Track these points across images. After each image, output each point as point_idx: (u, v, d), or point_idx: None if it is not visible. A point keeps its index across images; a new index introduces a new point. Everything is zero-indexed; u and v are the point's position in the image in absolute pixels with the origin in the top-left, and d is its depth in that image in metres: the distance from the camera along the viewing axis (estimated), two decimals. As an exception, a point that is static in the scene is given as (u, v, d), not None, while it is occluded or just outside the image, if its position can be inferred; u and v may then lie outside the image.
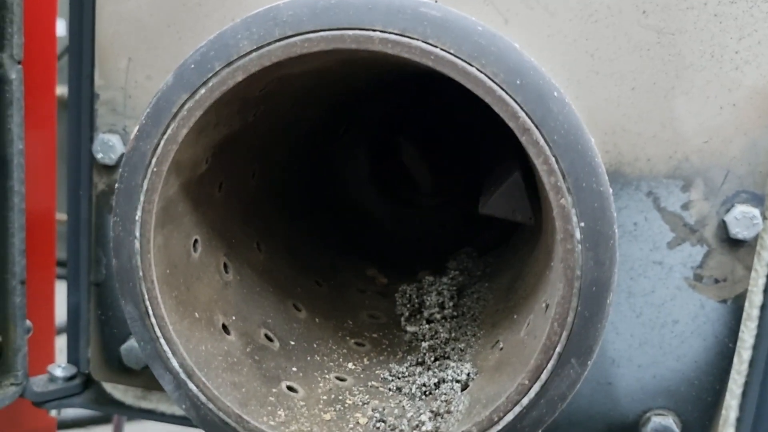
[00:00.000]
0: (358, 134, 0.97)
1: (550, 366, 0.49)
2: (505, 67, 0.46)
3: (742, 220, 0.80)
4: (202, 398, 0.53)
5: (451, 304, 0.72)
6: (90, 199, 0.91)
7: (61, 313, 1.07)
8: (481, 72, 0.46)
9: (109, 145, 0.89)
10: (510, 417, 0.50)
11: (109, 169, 0.89)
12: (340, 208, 0.95)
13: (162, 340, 0.53)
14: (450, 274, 0.77)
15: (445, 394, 0.57)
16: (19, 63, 0.89)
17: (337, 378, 0.64)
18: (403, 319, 0.74)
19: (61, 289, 1.03)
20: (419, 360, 0.65)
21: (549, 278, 0.52)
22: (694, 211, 0.82)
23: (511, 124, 0.46)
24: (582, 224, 0.47)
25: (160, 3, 0.86)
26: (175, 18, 0.87)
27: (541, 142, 0.46)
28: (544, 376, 0.49)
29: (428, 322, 0.73)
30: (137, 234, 0.52)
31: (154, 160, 0.51)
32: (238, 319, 0.61)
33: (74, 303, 0.95)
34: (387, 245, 0.95)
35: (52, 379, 1.01)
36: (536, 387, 0.49)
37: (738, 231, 0.80)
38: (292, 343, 0.65)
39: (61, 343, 1.12)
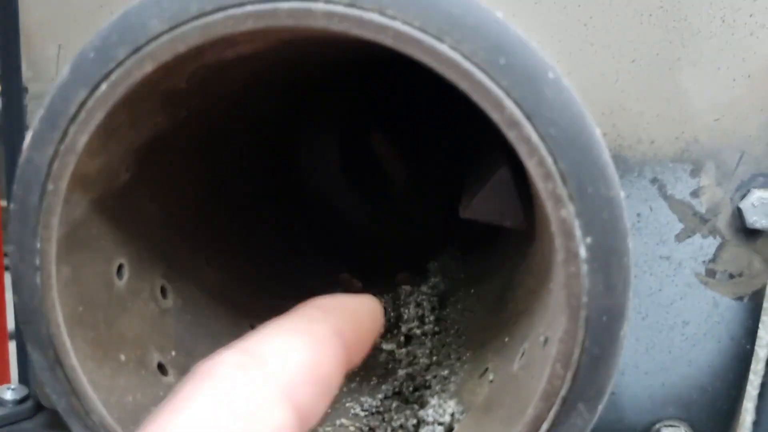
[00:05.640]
0: (324, 124, 0.87)
1: (552, 415, 0.39)
2: (486, 43, 0.36)
3: (760, 207, 0.70)
4: (129, 461, 0.44)
5: (432, 318, 0.63)
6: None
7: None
8: (455, 50, 0.36)
9: (39, 145, 0.78)
10: (504, 474, 0.41)
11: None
12: (308, 207, 0.85)
13: (76, 393, 0.43)
14: (430, 281, 0.68)
15: (426, 440, 0.47)
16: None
17: (300, 417, 0.54)
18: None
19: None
20: (396, 389, 0.55)
21: (547, 303, 0.43)
22: (706, 198, 0.73)
23: (494, 117, 0.36)
24: (588, 240, 0.37)
25: (90, -20, 0.75)
26: (107, -4, 0.76)
27: (534, 137, 0.36)
28: (545, 427, 0.40)
29: (407, 338, 0.63)
30: (37, 267, 0.42)
31: (50, 176, 0.40)
32: (179, 354, 0.52)
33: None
34: (361, 245, 0.85)
35: (0, 402, 0.92)
36: (535, 439, 0.40)
37: (755, 219, 0.71)
38: (248, 375, 0.55)
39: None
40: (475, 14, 0.37)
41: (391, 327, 0.65)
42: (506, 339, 0.51)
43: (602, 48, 0.70)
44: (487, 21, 0.37)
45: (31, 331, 0.44)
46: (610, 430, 0.78)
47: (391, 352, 0.62)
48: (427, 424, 0.49)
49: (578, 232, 0.37)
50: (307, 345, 0.37)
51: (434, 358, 0.57)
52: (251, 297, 0.64)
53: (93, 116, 0.39)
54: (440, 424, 0.48)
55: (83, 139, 0.39)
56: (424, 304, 0.65)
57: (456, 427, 0.48)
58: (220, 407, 0.32)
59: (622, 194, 0.38)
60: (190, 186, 0.58)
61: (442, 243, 0.79)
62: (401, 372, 0.56)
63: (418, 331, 0.63)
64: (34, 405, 0.91)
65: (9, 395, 0.90)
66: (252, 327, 0.62)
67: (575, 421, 0.40)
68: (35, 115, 0.42)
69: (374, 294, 0.68)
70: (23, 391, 0.90)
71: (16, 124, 0.80)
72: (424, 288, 0.67)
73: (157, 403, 0.47)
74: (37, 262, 0.42)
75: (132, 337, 0.48)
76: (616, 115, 0.71)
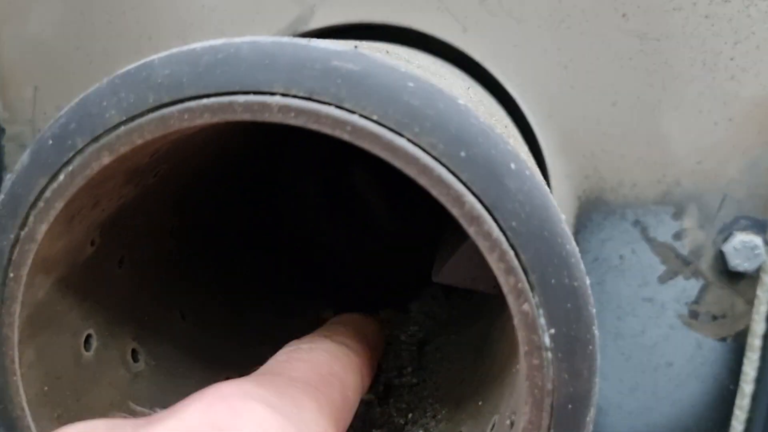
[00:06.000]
0: (304, 160, 0.86)
1: (518, 502, 0.39)
2: (446, 135, 0.36)
3: (742, 250, 0.70)
4: None
5: (410, 369, 0.62)
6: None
7: None
8: (414, 144, 0.35)
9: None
10: None
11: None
12: (287, 245, 0.84)
13: (43, 475, 0.43)
14: (409, 330, 0.67)
15: None
16: None
17: (275, 478, 0.54)
18: (357, 385, 0.64)
19: None
20: (372, 448, 0.55)
21: (515, 383, 0.42)
22: (688, 240, 0.72)
23: (454, 212, 0.36)
24: (552, 331, 0.37)
25: (66, 23, 0.75)
26: (83, 40, 0.75)
27: (495, 232, 0.36)
28: None
29: (386, 387, 0.63)
30: (2, 351, 0.41)
31: (11, 264, 0.40)
32: (151, 420, 0.51)
33: None
34: (343, 282, 0.84)
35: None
36: None
37: (738, 263, 0.70)
38: (223, 434, 0.55)
39: None
40: (436, 105, 0.36)
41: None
42: (480, 402, 0.51)
43: (583, 91, 0.70)
44: (449, 112, 0.36)
45: (-3, 411, 0.43)
46: (593, 470, 0.78)
47: (369, 403, 0.62)
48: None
49: (541, 324, 0.37)
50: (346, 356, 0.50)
51: (410, 416, 0.57)
52: (228, 347, 0.64)
53: (52, 205, 0.39)
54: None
55: (43, 228, 0.39)
56: (403, 354, 0.64)
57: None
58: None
59: (587, 282, 0.38)
60: (162, 242, 0.58)
61: (426, 278, 0.79)
62: (376, 432, 0.56)
63: (396, 382, 0.62)
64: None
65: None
66: (229, 378, 0.61)
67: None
68: (-4, 199, 0.41)
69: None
70: None
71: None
72: (403, 337, 0.67)
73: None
74: (0, 342, 0.42)
75: (101, 408, 0.48)
76: (597, 158, 0.71)
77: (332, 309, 0.79)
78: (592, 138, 0.70)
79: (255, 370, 0.48)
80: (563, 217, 0.39)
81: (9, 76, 0.77)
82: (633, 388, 0.75)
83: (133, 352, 0.53)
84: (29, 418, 0.42)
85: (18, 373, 0.41)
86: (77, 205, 0.41)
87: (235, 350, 0.64)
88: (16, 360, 0.41)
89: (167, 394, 0.55)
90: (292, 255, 0.84)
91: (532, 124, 0.71)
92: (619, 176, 0.71)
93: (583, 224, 0.72)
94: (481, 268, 0.55)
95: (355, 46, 0.38)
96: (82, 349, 0.48)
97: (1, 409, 0.43)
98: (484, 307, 0.69)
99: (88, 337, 0.49)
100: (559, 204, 0.73)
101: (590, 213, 0.72)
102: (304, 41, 0.38)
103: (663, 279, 0.72)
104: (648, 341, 0.74)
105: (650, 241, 0.72)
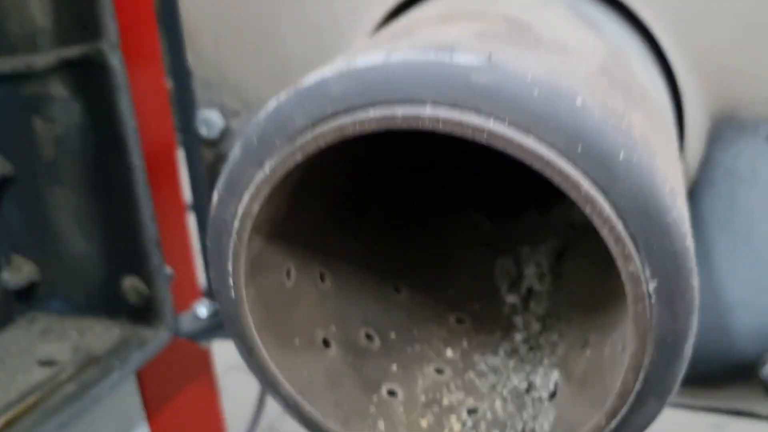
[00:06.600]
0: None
1: (625, 410, 0.50)
2: (565, 134, 0.44)
3: None
4: (308, 419, 0.59)
5: (549, 278, 0.73)
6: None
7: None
8: (539, 143, 0.44)
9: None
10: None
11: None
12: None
13: (267, 373, 0.59)
14: (549, 239, 0.77)
15: (533, 405, 0.59)
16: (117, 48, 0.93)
17: (436, 370, 0.68)
18: (502, 290, 0.75)
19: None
20: (513, 347, 0.67)
21: (627, 318, 0.52)
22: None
23: (572, 196, 0.44)
24: (654, 284, 0.46)
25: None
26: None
27: (606, 211, 0.44)
28: (621, 414, 0.50)
29: (528, 291, 0.74)
30: (231, 288, 0.56)
31: (234, 228, 0.54)
32: (338, 327, 0.66)
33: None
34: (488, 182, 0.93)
35: (197, 317, 1.12)
36: (612, 424, 0.51)
37: None
38: (393, 335, 0.69)
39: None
40: (557, 109, 0.44)
41: (514, 282, 0.76)
42: (605, 316, 0.61)
43: (716, 5, 0.72)
44: (567, 114, 0.44)
45: (232, 328, 0.59)
46: (721, 357, 0.86)
47: (513, 306, 0.73)
48: (536, 389, 0.60)
49: (645, 278, 0.46)
50: None
51: (547, 321, 0.68)
52: (393, 258, 0.76)
53: (261, 189, 0.51)
54: (546, 390, 0.60)
55: (255, 205, 0.52)
56: (543, 262, 0.74)
57: (558, 395, 0.60)
58: None
59: (688, 243, 0.46)
60: (336, 177, 0.69)
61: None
62: (518, 337, 0.67)
63: (537, 288, 0.73)
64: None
65: (204, 312, 1.11)
66: (395, 288, 0.75)
67: (646, 411, 0.50)
68: (219, 181, 0.54)
69: (504, 227, 0.78)
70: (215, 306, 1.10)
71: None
72: (542, 247, 0.77)
73: (324, 373, 0.62)
74: (231, 285, 0.56)
75: (302, 323, 0.63)
76: (730, 77, 0.74)
77: (479, 211, 0.89)
78: (725, 57, 0.73)
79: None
80: (668, 189, 0.46)
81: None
82: (764, 288, 0.82)
83: (321, 275, 0.67)
84: (255, 335, 0.57)
85: (245, 304, 0.56)
86: (277, 186, 0.53)
87: (400, 259, 0.77)
88: (244, 295, 0.56)
89: (348, 306, 0.69)
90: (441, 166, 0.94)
91: (663, 43, 0.75)
92: (752, 93, 0.74)
93: (715, 139, 0.77)
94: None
95: (490, 54, 0.46)
96: (285, 280, 0.62)
97: (233, 328, 0.59)
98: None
99: (288, 270, 0.63)
100: (692, 121, 0.77)
101: (722, 129, 0.76)
102: (447, 57, 0.46)
103: (795, 187, 0.76)
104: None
105: (781, 153, 0.75)
